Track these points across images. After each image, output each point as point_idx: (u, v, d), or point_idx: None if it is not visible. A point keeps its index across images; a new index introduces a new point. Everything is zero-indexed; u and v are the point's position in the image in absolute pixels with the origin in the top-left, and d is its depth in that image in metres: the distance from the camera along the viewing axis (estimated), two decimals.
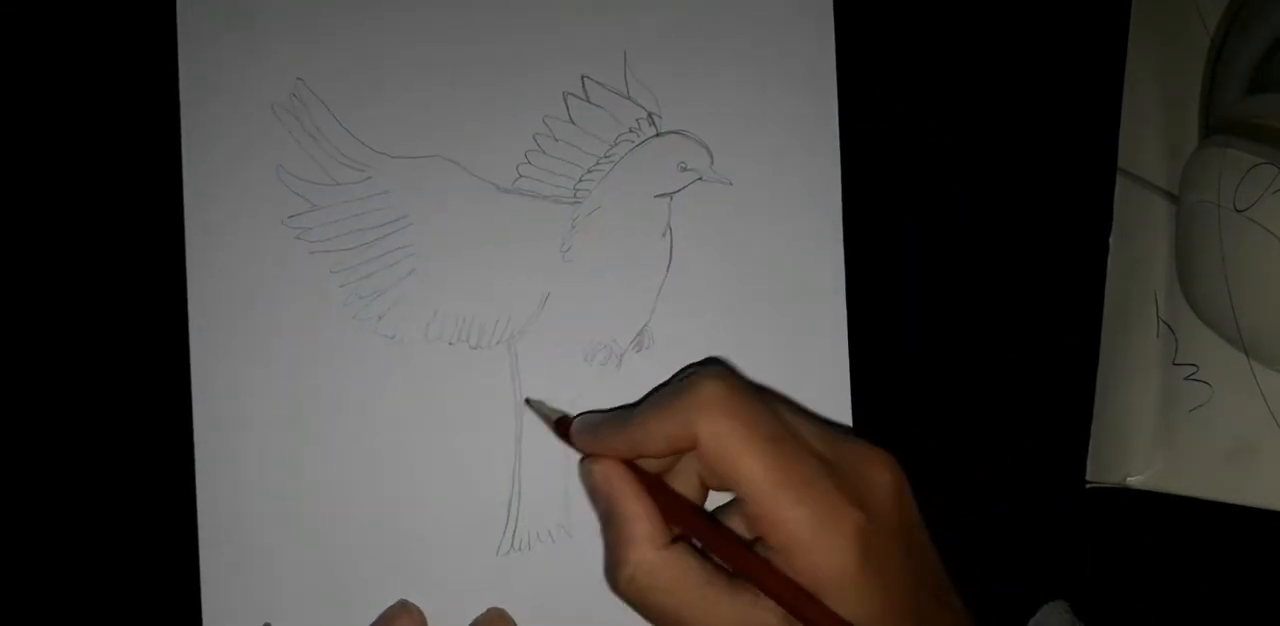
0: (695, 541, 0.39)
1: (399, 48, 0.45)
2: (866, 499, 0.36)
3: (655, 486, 0.39)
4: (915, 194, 0.48)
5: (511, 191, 0.45)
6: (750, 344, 0.44)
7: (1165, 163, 0.48)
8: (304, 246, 0.44)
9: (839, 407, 0.44)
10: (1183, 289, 0.47)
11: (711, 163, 0.45)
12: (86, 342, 0.46)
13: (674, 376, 0.44)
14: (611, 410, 0.43)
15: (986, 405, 0.48)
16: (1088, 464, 0.48)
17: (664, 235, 0.45)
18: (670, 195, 0.45)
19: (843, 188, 0.45)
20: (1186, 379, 0.46)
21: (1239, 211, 0.44)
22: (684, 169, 0.45)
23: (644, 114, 0.45)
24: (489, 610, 0.43)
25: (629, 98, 0.45)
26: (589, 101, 0.45)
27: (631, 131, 0.45)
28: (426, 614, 0.43)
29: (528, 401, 0.44)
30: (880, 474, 0.37)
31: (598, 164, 0.45)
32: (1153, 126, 0.48)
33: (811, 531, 0.35)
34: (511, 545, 0.44)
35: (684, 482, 0.40)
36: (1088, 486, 0.48)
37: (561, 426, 0.41)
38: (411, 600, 0.43)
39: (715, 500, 0.41)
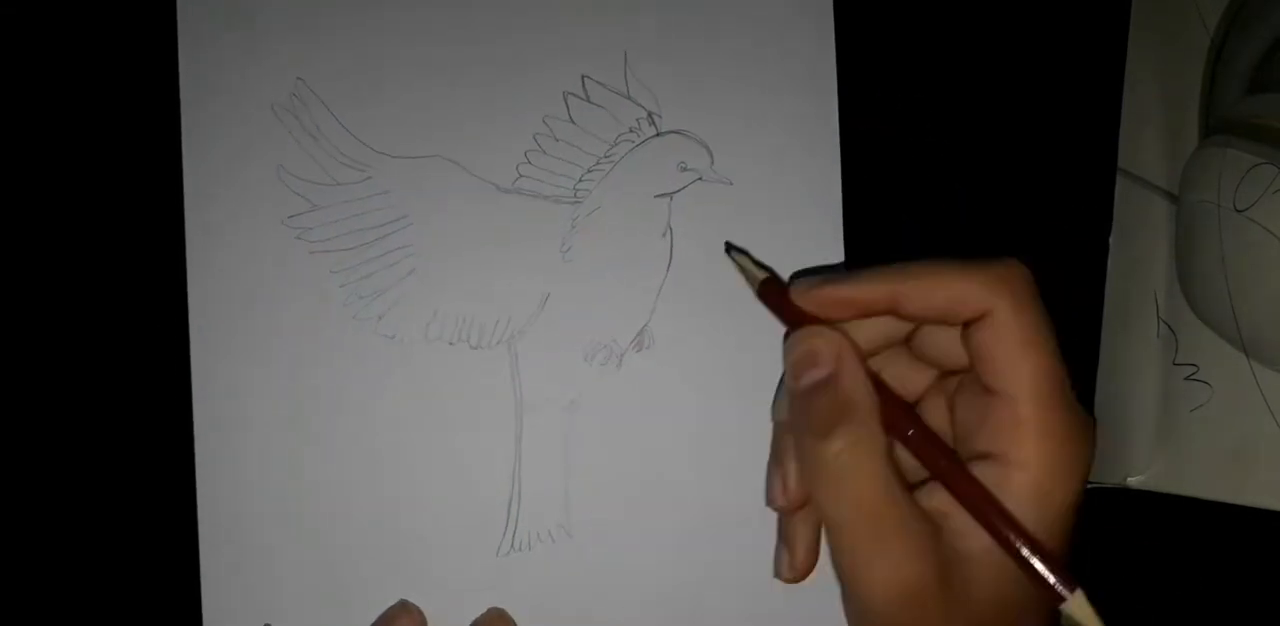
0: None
1: (399, 48, 0.45)
2: (1092, 449, 0.35)
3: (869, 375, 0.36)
4: (915, 194, 0.48)
5: (511, 191, 0.45)
6: (750, 344, 0.44)
7: (1165, 163, 0.48)
8: (304, 246, 0.44)
9: None
10: (1183, 289, 0.47)
11: (712, 162, 0.45)
12: (87, 343, 0.46)
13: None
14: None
15: None
16: None
17: (664, 235, 0.45)
18: (670, 195, 0.45)
19: (843, 188, 0.45)
20: (1186, 379, 0.46)
21: (1239, 211, 0.44)
22: (684, 169, 0.45)
23: (644, 114, 0.45)
24: (489, 610, 0.43)
25: (629, 97, 0.45)
26: (589, 101, 0.45)
27: (632, 131, 0.45)
28: (426, 614, 0.43)
29: (728, 250, 0.42)
30: (1090, 432, 0.36)
31: (598, 164, 0.45)
32: (1153, 126, 0.48)
33: (1063, 448, 0.34)
34: (512, 545, 0.44)
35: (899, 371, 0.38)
36: (1088, 486, 0.48)
37: (767, 288, 0.38)
38: (411, 600, 0.43)
39: None
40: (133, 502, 0.46)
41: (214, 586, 0.43)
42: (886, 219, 0.48)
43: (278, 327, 0.44)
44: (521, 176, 0.44)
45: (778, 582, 0.40)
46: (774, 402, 0.41)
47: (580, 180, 0.45)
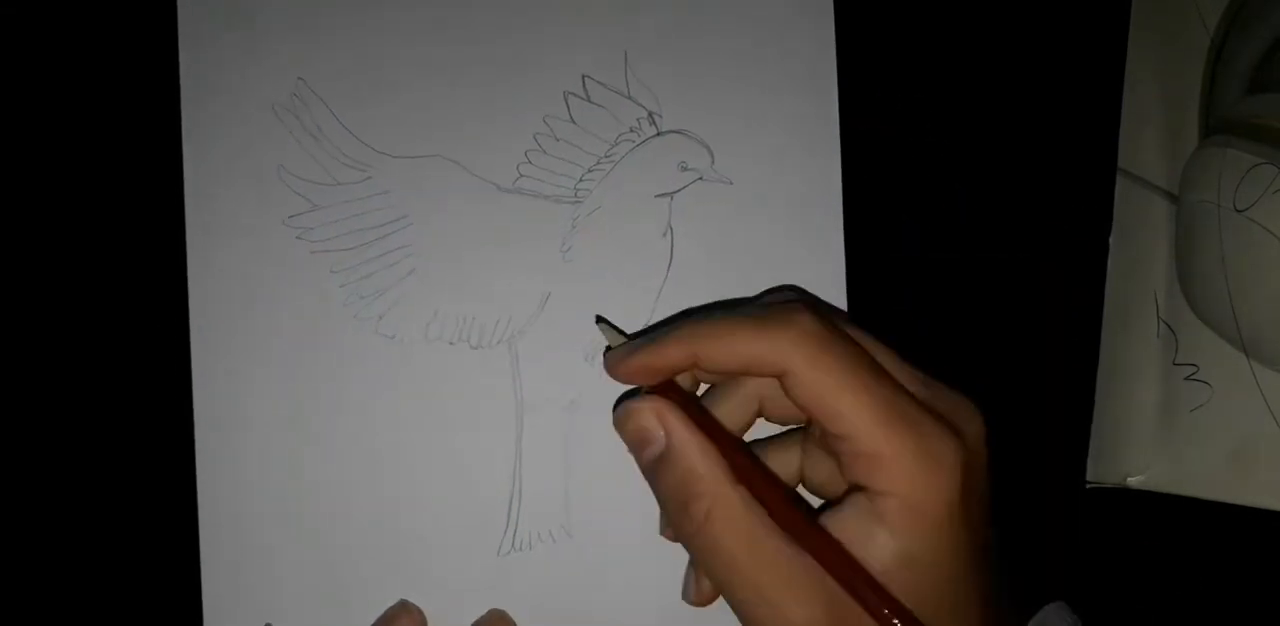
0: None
1: (399, 47, 0.45)
2: (962, 440, 0.35)
3: (708, 429, 0.37)
4: (915, 194, 0.48)
5: (512, 191, 0.45)
6: None
7: (1165, 163, 0.48)
8: (304, 246, 0.44)
9: None
10: (1183, 289, 0.47)
11: (712, 162, 0.45)
12: (87, 343, 0.46)
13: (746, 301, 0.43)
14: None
15: (986, 405, 0.48)
16: (1088, 464, 0.48)
17: (664, 235, 0.45)
18: (671, 195, 0.45)
19: (843, 188, 0.45)
20: (1186, 379, 0.46)
21: (1239, 211, 0.44)
22: (685, 168, 0.45)
23: (644, 113, 0.45)
24: (489, 612, 0.43)
25: (630, 97, 0.45)
26: (590, 101, 0.45)
27: (632, 131, 0.45)
28: (427, 614, 0.43)
29: (599, 320, 0.42)
30: (970, 418, 0.37)
31: (598, 163, 0.45)
32: (1153, 126, 0.48)
33: (919, 468, 0.34)
34: (512, 545, 0.44)
35: (735, 411, 0.39)
36: (1088, 486, 0.48)
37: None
38: (411, 600, 0.43)
39: None
40: (133, 502, 0.46)
41: (214, 586, 0.43)
42: (886, 219, 0.48)
43: (278, 327, 0.44)
44: (522, 176, 0.44)
45: None
46: None
47: (581, 180, 0.45)
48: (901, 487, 0.34)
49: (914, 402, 0.35)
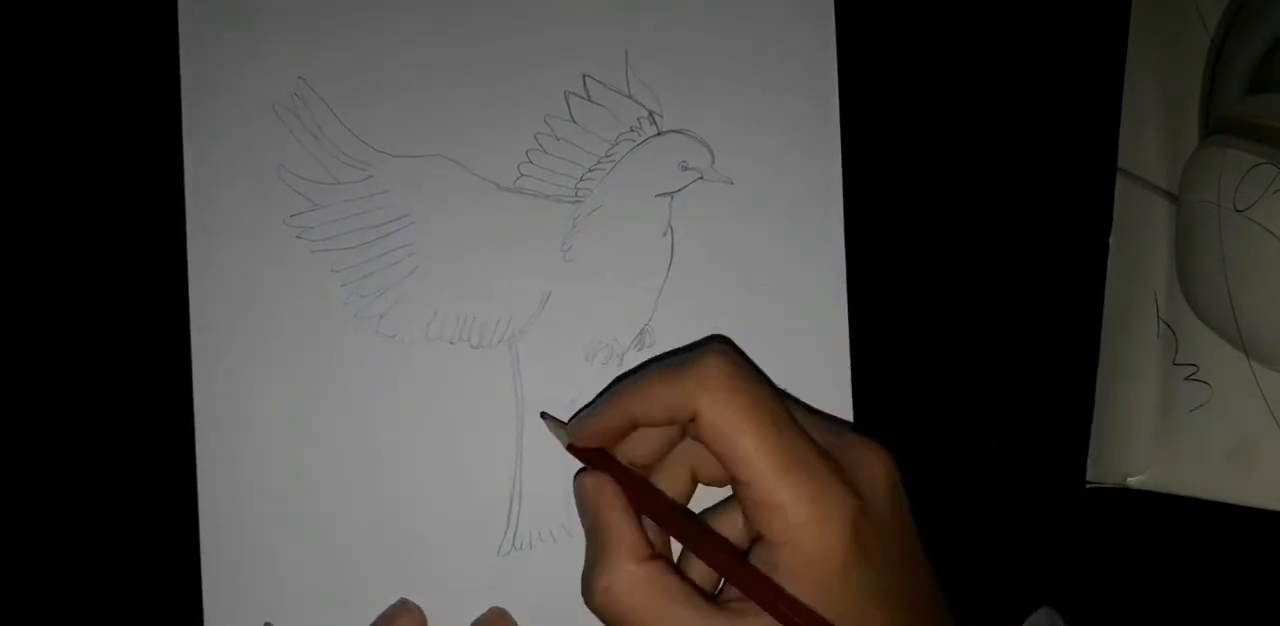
0: (678, 557, 0.40)
1: (400, 47, 0.45)
2: (862, 488, 0.36)
3: (644, 493, 0.39)
4: (915, 194, 0.48)
5: (512, 190, 0.45)
6: (751, 344, 0.44)
7: (1165, 163, 0.48)
8: (305, 245, 0.44)
9: (840, 407, 0.44)
10: (1183, 289, 0.47)
11: (713, 162, 0.45)
12: (87, 342, 0.46)
13: (675, 353, 0.44)
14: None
15: (986, 405, 0.48)
16: (1088, 464, 0.48)
17: (665, 234, 0.45)
18: (671, 194, 0.45)
19: (843, 188, 0.45)
20: (1186, 379, 0.46)
21: (1239, 211, 0.44)
22: (685, 168, 0.45)
23: (645, 113, 0.45)
24: (490, 609, 0.43)
25: (630, 97, 0.45)
26: (590, 100, 0.45)
27: (633, 130, 0.45)
28: (427, 614, 0.43)
29: (543, 415, 0.43)
30: (875, 465, 0.37)
31: (599, 163, 0.45)
32: (1153, 126, 0.48)
33: (807, 516, 0.35)
34: (512, 545, 0.44)
35: (673, 478, 0.40)
36: (1088, 486, 0.48)
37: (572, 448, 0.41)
38: (412, 600, 0.43)
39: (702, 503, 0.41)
40: (134, 502, 0.46)
41: (214, 586, 0.43)
42: (886, 219, 0.48)
43: (278, 327, 0.44)
44: (523, 175, 0.44)
45: None
46: None
47: (581, 179, 0.45)
48: (793, 537, 0.35)
49: (813, 447, 0.36)
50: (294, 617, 0.43)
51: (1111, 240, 0.49)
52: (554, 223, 0.44)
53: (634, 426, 0.38)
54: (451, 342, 0.44)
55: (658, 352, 0.44)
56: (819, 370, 0.45)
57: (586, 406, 0.42)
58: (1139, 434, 0.47)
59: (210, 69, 0.44)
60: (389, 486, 0.44)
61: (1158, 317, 0.47)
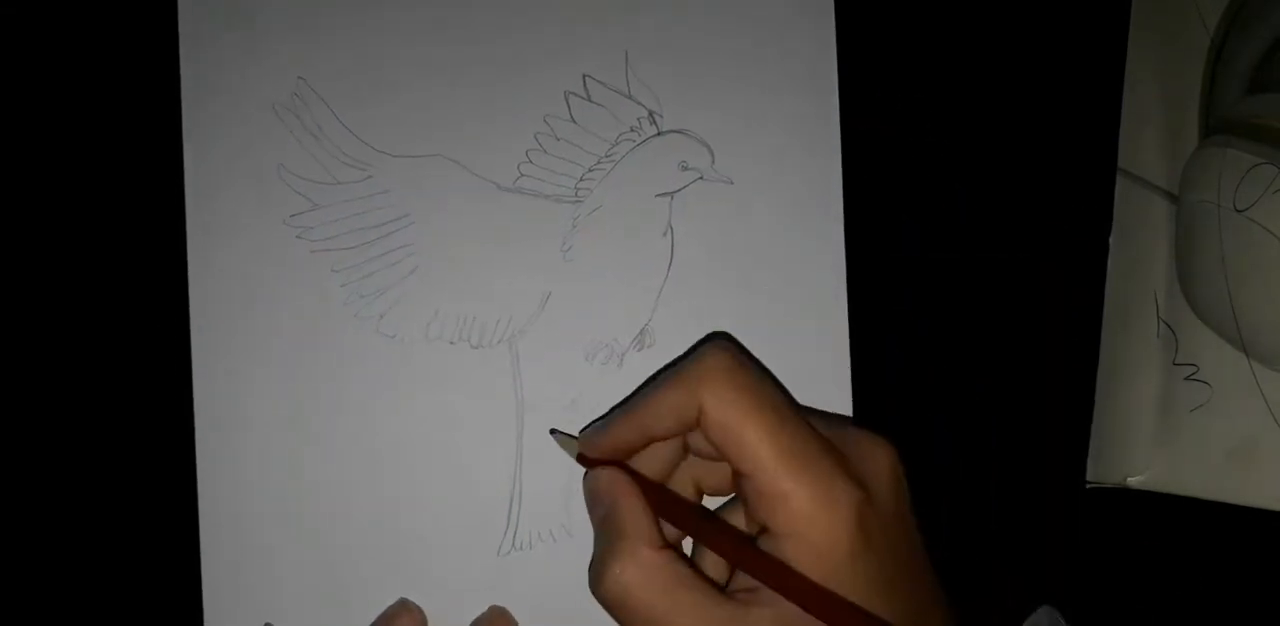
0: (691, 548, 0.40)
1: (400, 47, 0.45)
2: (867, 479, 0.36)
3: (656, 491, 0.39)
4: (915, 194, 0.48)
5: (512, 190, 0.45)
6: (751, 344, 0.44)
7: (1165, 163, 0.48)
8: (305, 245, 0.44)
9: (840, 406, 0.44)
10: (1183, 289, 0.47)
11: (713, 162, 0.45)
12: (88, 342, 0.46)
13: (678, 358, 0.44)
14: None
15: (986, 405, 0.48)
16: (1088, 464, 0.48)
17: (665, 234, 0.45)
18: (671, 194, 0.45)
19: (843, 188, 0.45)
20: (1186, 379, 0.46)
21: (1239, 211, 0.44)
22: (685, 168, 0.45)
23: (645, 113, 0.45)
24: (490, 608, 0.43)
25: (630, 97, 0.45)
26: (590, 100, 0.45)
27: (633, 130, 0.45)
28: (427, 613, 0.43)
29: (552, 432, 0.43)
30: (879, 458, 0.37)
31: (599, 163, 0.45)
32: (1153, 126, 0.48)
33: (812, 506, 0.35)
34: (512, 545, 0.44)
35: (681, 489, 0.40)
36: (1088, 486, 0.48)
37: (582, 459, 0.41)
38: (412, 599, 0.43)
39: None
40: (133, 502, 0.46)
41: (214, 586, 0.43)
42: (886, 219, 0.48)
43: (278, 327, 0.44)
44: (523, 175, 0.44)
45: None
46: None
47: (581, 179, 0.45)
48: (799, 528, 0.35)
49: (816, 439, 0.36)
50: (294, 617, 0.43)
51: (1111, 240, 0.49)
52: (554, 223, 0.44)
53: (646, 441, 0.39)
54: (451, 343, 0.44)
55: (658, 352, 0.44)
56: (819, 370, 0.45)
57: (596, 421, 0.42)
58: (1139, 434, 0.47)
59: (210, 69, 0.44)
60: (389, 486, 0.44)
61: (1158, 318, 0.47)
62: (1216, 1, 0.47)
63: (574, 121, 0.45)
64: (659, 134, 0.45)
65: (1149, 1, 0.48)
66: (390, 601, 0.43)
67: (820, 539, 0.35)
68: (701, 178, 0.45)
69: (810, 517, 0.35)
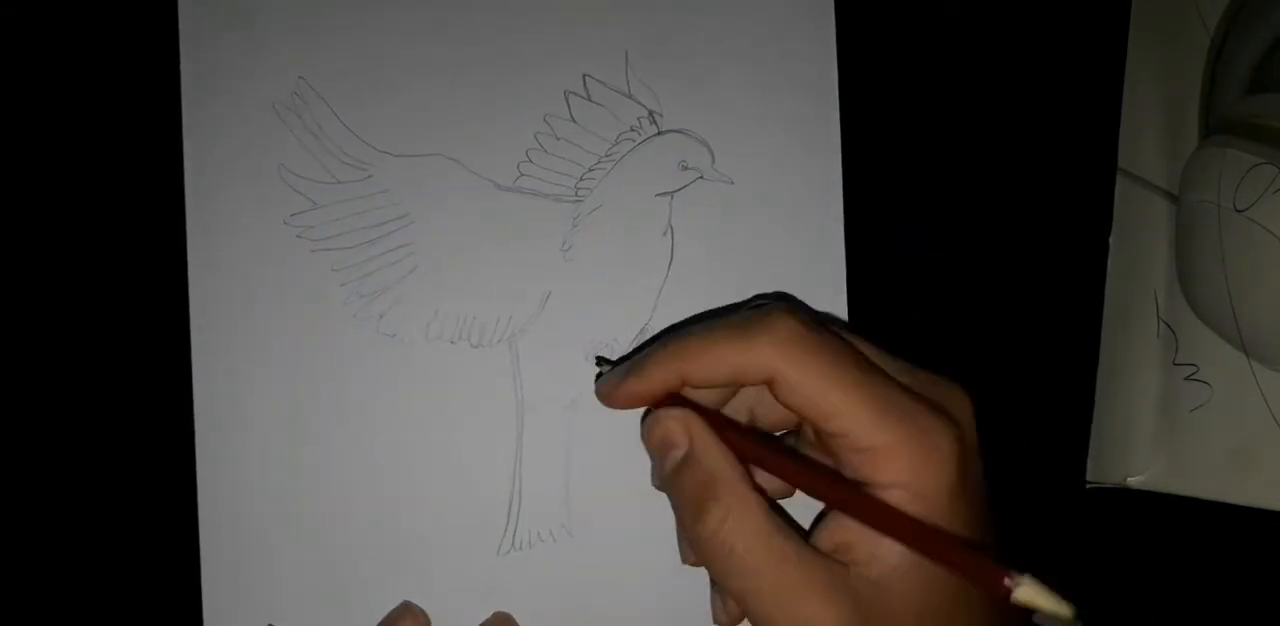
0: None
1: (400, 47, 0.45)
2: (956, 423, 0.36)
3: (732, 427, 0.38)
4: (915, 194, 0.48)
5: (513, 190, 0.45)
6: None
7: (1165, 163, 0.48)
8: (305, 245, 0.44)
9: None
10: (1183, 289, 0.47)
11: (713, 161, 0.45)
12: (87, 342, 0.46)
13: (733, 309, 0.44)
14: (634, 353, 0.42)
15: (986, 405, 0.48)
16: (1088, 464, 0.48)
17: (665, 234, 0.45)
18: (671, 194, 0.45)
19: (843, 188, 0.45)
20: (1186, 379, 0.46)
21: (1239, 211, 0.44)
22: (685, 168, 0.45)
23: (645, 113, 0.45)
24: (494, 615, 0.43)
25: (630, 96, 0.45)
26: (590, 100, 0.45)
27: (633, 130, 0.45)
28: (426, 613, 0.43)
29: (599, 360, 0.42)
30: (959, 402, 0.37)
31: (599, 162, 0.45)
32: (1153, 126, 0.48)
33: (915, 458, 0.34)
34: (512, 545, 0.44)
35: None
36: (1088, 486, 0.48)
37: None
38: (412, 599, 0.43)
39: None
40: (133, 503, 0.46)
41: (214, 586, 0.43)
42: (886, 219, 0.48)
43: (278, 327, 0.44)
44: (523, 175, 0.44)
45: None
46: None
47: (581, 179, 0.45)
48: (903, 478, 0.35)
49: (905, 393, 0.36)
50: (294, 617, 0.43)
51: (1111, 240, 0.49)
52: (554, 222, 0.44)
53: (681, 386, 0.38)
54: (451, 342, 0.44)
55: None
56: None
57: (623, 358, 0.41)
58: (1139, 434, 0.47)
59: (210, 69, 0.44)
60: (389, 486, 0.44)
61: (1158, 317, 0.47)
62: (1216, 1, 0.47)
63: (574, 121, 0.45)
64: (659, 133, 0.45)
65: (1149, 1, 0.48)
66: (390, 601, 0.43)
67: (924, 486, 0.34)
68: (701, 177, 0.45)
69: (915, 469, 0.34)
